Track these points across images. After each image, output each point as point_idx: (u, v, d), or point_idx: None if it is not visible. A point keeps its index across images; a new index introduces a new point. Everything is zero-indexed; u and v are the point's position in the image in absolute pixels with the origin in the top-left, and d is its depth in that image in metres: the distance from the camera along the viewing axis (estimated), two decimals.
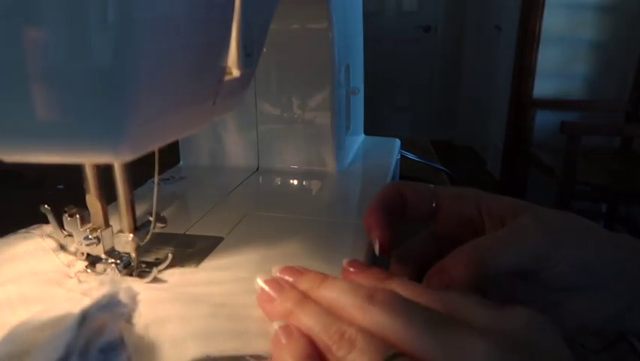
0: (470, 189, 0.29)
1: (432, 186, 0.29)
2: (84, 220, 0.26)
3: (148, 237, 0.27)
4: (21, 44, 0.15)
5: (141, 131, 0.18)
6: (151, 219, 0.27)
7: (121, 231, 0.27)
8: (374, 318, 0.20)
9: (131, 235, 0.26)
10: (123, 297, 0.22)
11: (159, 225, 0.28)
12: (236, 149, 0.48)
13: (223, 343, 0.21)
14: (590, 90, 2.23)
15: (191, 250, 0.30)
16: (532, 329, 0.19)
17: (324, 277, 0.23)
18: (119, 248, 0.27)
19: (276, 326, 0.21)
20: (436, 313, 0.20)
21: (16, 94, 0.16)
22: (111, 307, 0.21)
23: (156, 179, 0.26)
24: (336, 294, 0.22)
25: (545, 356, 0.18)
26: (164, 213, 0.34)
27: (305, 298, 0.22)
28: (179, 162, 0.50)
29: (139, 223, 0.27)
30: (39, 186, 0.65)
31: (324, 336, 0.20)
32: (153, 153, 0.25)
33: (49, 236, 0.28)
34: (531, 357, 0.18)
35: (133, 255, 0.27)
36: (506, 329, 0.19)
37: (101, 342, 0.19)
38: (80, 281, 0.26)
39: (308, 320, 0.21)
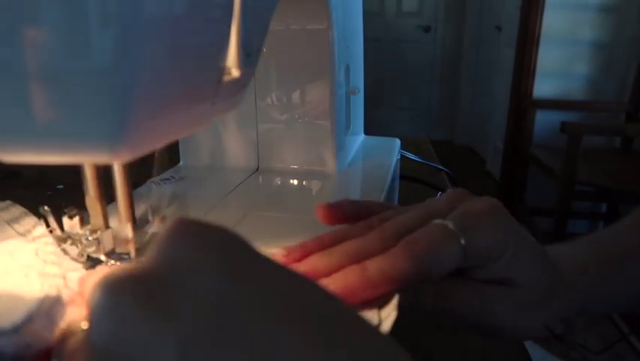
0: (502, 231, 0.25)
1: (452, 231, 0.24)
2: (84, 222, 0.26)
3: (148, 237, 0.27)
4: (20, 44, 0.15)
5: (141, 132, 0.18)
6: (150, 218, 0.27)
7: (120, 231, 0.27)
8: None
9: (131, 235, 0.26)
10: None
11: (158, 221, 0.27)
12: (236, 149, 0.48)
13: None
14: (591, 90, 2.23)
15: None
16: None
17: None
18: (119, 249, 0.27)
19: None
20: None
21: (15, 94, 0.16)
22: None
23: (154, 178, 0.26)
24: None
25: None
26: (164, 213, 0.34)
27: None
28: (179, 162, 0.50)
29: (138, 223, 0.27)
30: (39, 186, 0.65)
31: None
32: (153, 153, 0.25)
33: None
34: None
35: (133, 255, 0.27)
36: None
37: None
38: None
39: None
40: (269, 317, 0.15)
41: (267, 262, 0.17)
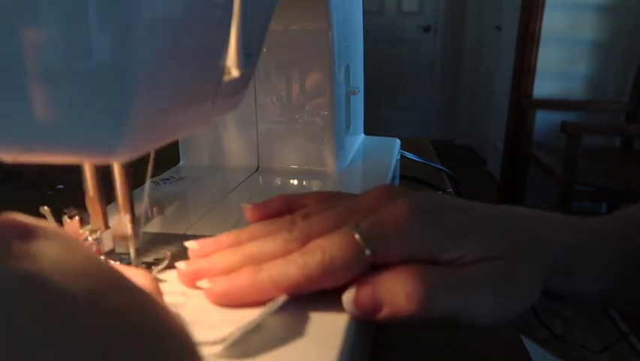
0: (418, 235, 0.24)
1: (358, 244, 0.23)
2: (84, 222, 0.26)
3: (142, 227, 0.27)
4: (20, 44, 0.15)
5: (141, 132, 0.18)
6: (149, 215, 0.27)
7: (120, 231, 0.27)
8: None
9: (131, 235, 0.26)
10: None
11: (157, 213, 0.27)
12: (236, 149, 0.48)
13: (220, 331, 0.21)
14: (591, 90, 2.23)
15: None
16: None
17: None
18: (118, 249, 0.27)
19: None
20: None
21: (15, 94, 0.16)
22: None
23: (149, 176, 0.26)
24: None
25: None
26: (163, 214, 0.34)
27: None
28: (179, 162, 0.50)
29: (138, 223, 0.27)
30: (39, 186, 0.65)
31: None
32: (152, 153, 0.25)
33: None
34: None
35: (133, 255, 0.27)
36: None
37: None
38: None
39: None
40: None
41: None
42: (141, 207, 0.27)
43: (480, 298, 0.23)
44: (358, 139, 0.58)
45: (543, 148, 2.07)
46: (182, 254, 0.30)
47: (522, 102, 2.23)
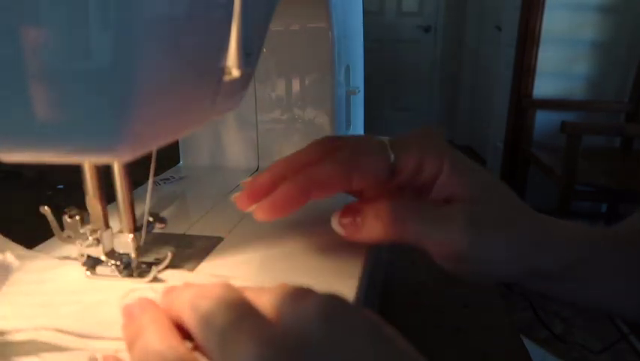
0: (433, 148, 0.27)
1: (385, 145, 0.27)
2: (84, 221, 0.26)
3: (143, 236, 0.27)
4: (20, 44, 0.15)
5: (141, 131, 0.18)
6: (151, 219, 0.27)
7: (120, 231, 0.27)
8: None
9: (131, 235, 0.26)
10: None
11: (159, 225, 0.27)
12: (236, 149, 0.48)
13: None
14: (591, 90, 2.23)
15: (191, 250, 0.30)
16: (315, 324, 0.17)
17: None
18: (119, 249, 0.27)
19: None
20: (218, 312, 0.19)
21: (15, 94, 0.16)
22: None
23: (151, 179, 0.26)
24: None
25: (324, 355, 0.17)
26: (164, 213, 0.34)
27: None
28: (179, 162, 0.50)
29: (138, 224, 0.27)
30: (39, 186, 0.65)
31: None
32: (152, 153, 0.25)
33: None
34: (305, 357, 0.17)
35: (133, 255, 0.27)
36: (290, 325, 0.18)
37: None
38: None
39: None
40: None
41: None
42: (141, 208, 0.27)
43: (449, 233, 0.25)
44: None
45: (543, 148, 2.07)
46: (183, 254, 0.30)
47: (522, 102, 2.23)
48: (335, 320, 0.18)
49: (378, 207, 0.26)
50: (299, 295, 0.19)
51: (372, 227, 0.26)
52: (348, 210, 0.27)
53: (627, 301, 0.29)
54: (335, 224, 0.27)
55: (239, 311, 0.18)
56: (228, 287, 0.20)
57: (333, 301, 0.18)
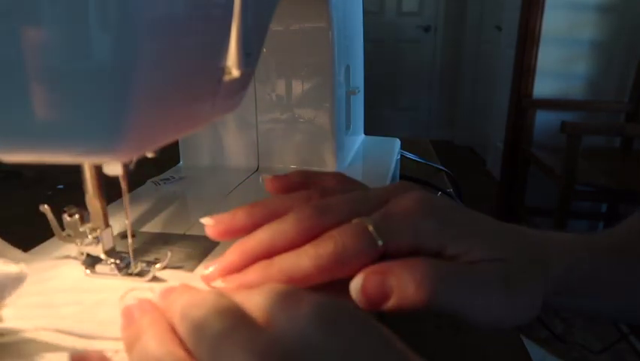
0: (427, 224, 0.24)
1: (370, 234, 0.23)
2: (84, 220, 0.26)
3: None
4: (21, 44, 0.15)
5: (141, 132, 0.18)
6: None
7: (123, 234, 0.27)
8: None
9: (130, 233, 0.26)
10: None
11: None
12: (236, 149, 0.48)
13: None
14: (590, 90, 2.23)
15: (191, 250, 0.30)
16: (311, 329, 0.17)
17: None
18: (118, 248, 0.27)
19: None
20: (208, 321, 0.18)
21: (15, 94, 0.16)
22: None
23: (125, 197, 0.26)
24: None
25: (324, 358, 0.17)
26: (164, 213, 0.34)
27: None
28: (179, 162, 0.50)
29: (138, 223, 0.27)
30: (39, 186, 0.65)
31: None
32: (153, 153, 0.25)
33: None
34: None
35: (132, 255, 0.27)
36: (284, 330, 0.18)
37: None
38: None
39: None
40: None
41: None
42: (142, 208, 0.27)
43: (489, 298, 0.23)
44: (358, 139, 0.58)
45: (543, 148, 2.07)
46: (183, 254, 0.30)
47: (522, 102, 2.23)
48: (330, 325, 0.17)
49: (418, 269, 0.22)
50: (291, 297, 0.19)
51: (409, 294, 0.22)
52: (377, 274, 0.22)
53: (628, 309, 0.29)
54: (355, 290, 0.22)
55: (230, 320, 0.18)
56: (218, 294, 0.20)
57: (327, 304, 0.18)
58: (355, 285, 0.22)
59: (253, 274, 0.23)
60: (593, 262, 0.28)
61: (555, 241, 0.28)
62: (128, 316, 0.21)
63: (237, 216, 0.26)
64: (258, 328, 0.18)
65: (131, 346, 0.20)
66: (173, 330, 0.20)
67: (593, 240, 0.29)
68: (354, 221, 0.24)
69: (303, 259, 0.23)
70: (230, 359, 0.17)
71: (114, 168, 0.24)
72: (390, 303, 0.22)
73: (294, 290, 0.19)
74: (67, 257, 0.28)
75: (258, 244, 0.24)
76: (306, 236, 0.24)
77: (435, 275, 0.22)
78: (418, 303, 0.22)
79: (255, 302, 0.20)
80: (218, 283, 0.24)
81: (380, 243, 0.23)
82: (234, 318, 0.18)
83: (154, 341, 0.19)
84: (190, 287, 0.22)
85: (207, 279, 0.24)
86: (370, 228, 0.23)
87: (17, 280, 0.22)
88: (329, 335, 0.17)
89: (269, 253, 0.24)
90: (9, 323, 0.22)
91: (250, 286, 0.23)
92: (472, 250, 0.24)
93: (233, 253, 0.24)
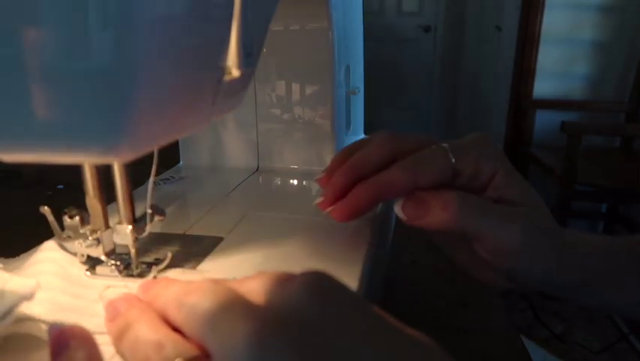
0: (489, 153, 0.30)
1: (446, 150, 0.29)
2: (84, 222, 0.26)
3: (147, 229, 0.27)
4: (21, 44, 0.15)
5: (141, 132, 0.18)
6: (149, 211, 0.27)
7: (119, 223, 0.27)
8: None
9: (130, 227, 0.26)
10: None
11: (158, 218, 0.27)
12: (236, 149, 0.48)
13: None
14: (591, 90, 2.23)
15: (191, 250, 0.30)
16: (305, 299, 0.18)
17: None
18: (119, 249, 0.27)
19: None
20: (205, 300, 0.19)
21: (15, 94, 0.16)
22: None
23: (153, 175, 0.26)
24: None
25: (319, 327, 0.17)
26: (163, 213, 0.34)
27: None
28: (179, 162, 0.50)
29: (138, 223, 0.27)
30: (39, 186, 0.65)
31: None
32: (153, 153, 0.25)
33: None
34: (298, 334, 0.16)
35: (132, 250, 0.27)
36: (279, 303, 0.18)
37: None
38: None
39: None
40: None
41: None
42: (141, 208, 0.27)
43: (508, 234, 0.28)
44: (358, 139, 0.58)
45: (543, 148, 2.07)
46: (182, 254, 0.30)
47: (522, 102, 2.23)
48: (325, 295, 0.18)
49: (446, 197, 0.28)
50: (283, 278, 0.20)
51: (437, 215, 0.28)
52: (413, 198, 0.28)
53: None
54: (398, 210, 0.29)
55: (227, 298, 0.19)
56: (212, 280, 0.21)
57: (319, 277, 0.19)
58: (397, 206, 0.29)
59: (356, 194, 0.28)
60: (608, 254, 0.31)
61: (581, 237, 0.32)
62: (113, 309, 0.21)
63: (336, 181, 0.30)
64: (254, 304, 0.19)
65: (120, 336, 0.20)
66: (164, 319, 0.20)
67: (608, 238, 0.32)
68: (434, 146, 0.29)
69: (395, 171, 0.28)
70: (232, 326, 0.17)
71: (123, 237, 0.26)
72: (426, 222, 0.28)
73: (285, 274, 0.20)
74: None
75: (357, 162, 0.30)
76: (393, 158, 0.29)
77: (458, 203, 0.27)
78: (443, 222, 0.27)
79: (248, 286, 0.20)
80: (329, 210, 0.29)
81: (453, 160, 0.28)
82: (231, 296, 0.19)
83: (147, 327, 0.19)
84: (173, 280, 0.23)
85: (323, 206, 0.30)
86: (446, 145, 0.29)
87: (29, 296, 0.22)
88: (323, 304, 0.18)
89: (366, 170, 0.29)
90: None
91: (356, 207, 0.28)
92: (514, 190, 0.29)
93: (338, 176, 0.30)
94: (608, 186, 1.71)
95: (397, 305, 0.44)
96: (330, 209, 0.29)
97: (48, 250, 0.27)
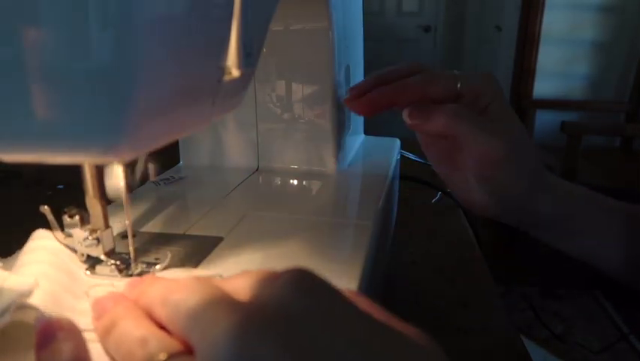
0: (491, 85, 0.36)
1: (455, 74, 0.36)
2: (84, 221, 0.26)
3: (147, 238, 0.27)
4: (21, 44, 0.15)
5: (141, 132, 0.18)
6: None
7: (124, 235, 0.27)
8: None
9: (130, 234, 0.26)
10: None
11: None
12: (236, 149, 0.48)
13: None
14: (591, 90, 2.23)
15: (191, 250, 0.30)
16: (290, 295, 0.18)
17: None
18: (118, 249, 0.27)
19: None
20: (190, 294, 0.19)
21: (15, 94, 0.16)
22: None
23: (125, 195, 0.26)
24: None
25: (304, 322, 0.17)
26: (164, 213, 0.34)
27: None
28: (179, 162, 0.50)
29: (138, 223, 0.27)
30: (39, 186, 0.65)
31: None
32: (153, 153, 0.25)
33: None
34: (284, 329, 0.16)
35: (132, 256, 0.27)
36: (264, 300, 0.18)
37: None
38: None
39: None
40: None
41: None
42: (142, 208, 0.27)
43: (494, 142, 0.33)
44: (358, 139, 0.58)
45: (543, 148, 2.07)
46: (182, 254, 0.30)
47: (522, 102, 2.23)
48: (310, 291, 0.18)
49: (445, 106, 0.34)
50: (268, 276, 0.20)
51: (437, 120, 0.33)
52: (418, 105, 0.35)
53: (611, 260, 0.36)
54: (405, 116, 0.35)
55: (211, 295, 0.19)
56: (197, 278, 0.21)
57: (303, 273, 0.19)
58: (405, 112, 0.35)
59: (377, 90, 0.36)
60: (589, 207, 0.36)
61: (565, 182, 0.37)
62: (100, 307, 0.21)
63: (362, 83, 0.37)
64: (239, 301, 0.19)
65: (106, 333, 0.20)
66: (149, 316, 0.20)
67: (594, 193, 0.38)
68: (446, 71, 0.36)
69: (409, 80, 0.35)
70: (217, 321, 0.17)
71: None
72: (426, 126, 0.35)
73: (269, 271, 0.20)
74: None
75: (382, 73, 0.37)
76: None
77: (454, 111, 0.33)
78: (440, 126, 0.34)
79: (233, 284, 0.20)
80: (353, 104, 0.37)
81: (459, 84, 0.35)
82: (217, 293, 0.19)
83: (133, 324, 0.19)
84: (159, 277, 0.23)
85: (348, 101, 0.37)
86: (456, 72, 0.36)
87: (27, 293, 0.22)
88: (308, 298, 0.18)
89: (389, 80, 0.36)
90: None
91: (375, 101, 0.36)
92: (507, 116, 0.35)
93: (364, 81, 0.37)
94: (608, 186, 1.71)
95: (397, 305, 0.44)
96: (352, 103, 0.36)
97: (40, 239, 0.27)
